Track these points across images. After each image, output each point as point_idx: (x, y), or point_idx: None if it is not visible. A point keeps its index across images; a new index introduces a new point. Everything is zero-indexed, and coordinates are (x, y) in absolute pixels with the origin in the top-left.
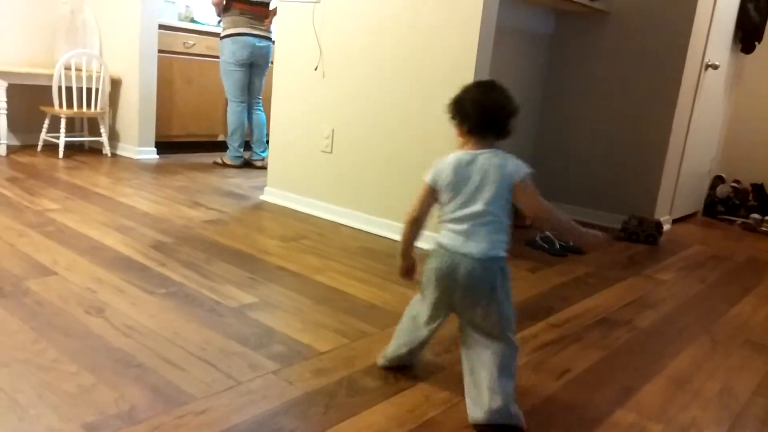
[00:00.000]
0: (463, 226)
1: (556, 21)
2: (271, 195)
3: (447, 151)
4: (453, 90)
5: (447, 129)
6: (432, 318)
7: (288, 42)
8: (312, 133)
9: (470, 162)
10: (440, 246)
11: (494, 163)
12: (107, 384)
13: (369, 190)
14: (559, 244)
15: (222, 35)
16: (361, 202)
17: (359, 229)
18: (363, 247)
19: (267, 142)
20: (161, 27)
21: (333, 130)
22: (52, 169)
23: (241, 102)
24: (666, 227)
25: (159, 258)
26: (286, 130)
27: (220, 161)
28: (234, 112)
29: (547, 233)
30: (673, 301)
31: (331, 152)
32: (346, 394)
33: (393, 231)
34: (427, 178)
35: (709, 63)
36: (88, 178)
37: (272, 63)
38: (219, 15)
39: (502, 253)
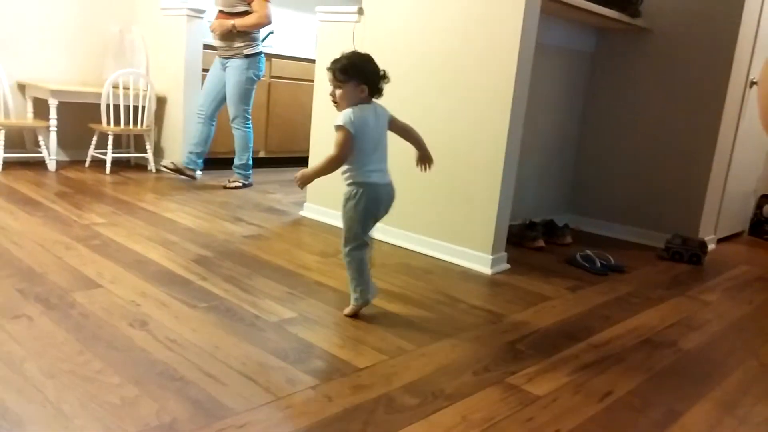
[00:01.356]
0: (381, 166)
1: (598, 39)
2: (311, 211)
3: (489, 166)
4: (493, 106)
5: (488, 145)
6: (368, 230)
7: (328, 59)
8: None
9: (374, 115)
10: (370, 183)
11: (380, 112)
12: (150, 396)
13: (408, 206)
14: (600, 263)
15: (254, 52)
16: (400, 218)
17: (397, 246)
18: (401, 264)
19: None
20: (206, 47)
21: None
22: (99, 185)
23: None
24: (711, 247)
25: (201, 272)
26: (326, 146)
27: (231, 185)
28: (250, 130)
29: (588, 251)
30: (719, 323)
31: None
32: (385, 412)
33: (432, 248)
34: (350, 128)
35: (755, 80)
36: (134, 194)
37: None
38: (254, 31)
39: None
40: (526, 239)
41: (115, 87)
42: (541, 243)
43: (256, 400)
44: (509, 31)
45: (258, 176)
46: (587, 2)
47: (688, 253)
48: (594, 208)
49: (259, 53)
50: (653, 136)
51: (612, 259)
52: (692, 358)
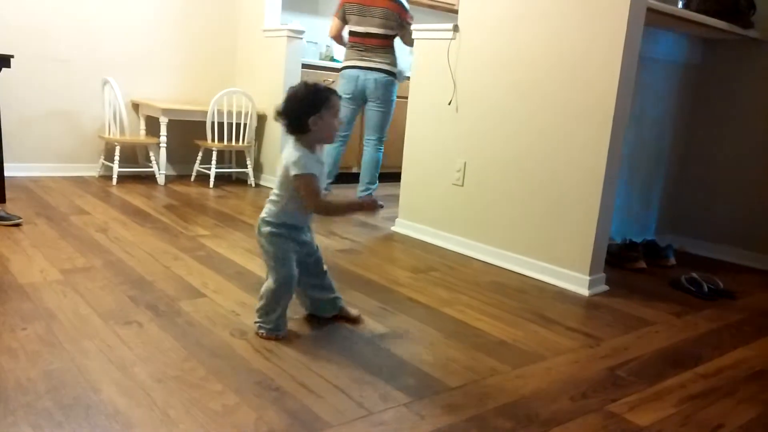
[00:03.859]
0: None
1: (705, 50)
2: (402, 226)
3: (588, 184)
4: (593, 122)
5: (586, 162)
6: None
7: (422, 77)
8: (444, 167)
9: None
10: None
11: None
12: (249, 405)
13: (500, 223)
14: (708, 287)
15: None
16: (492, 235)
17: (490, 263)
18: (493, 282)
19: (371, 182)
20: (304, 66)
21: (465, 164)
22: (204, 198)
23: (339, 137)
24: None
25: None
26: (418, 163)
27: None
28: (328, 147)
29: (694, 275)
30: None
31: (462, 185)
32: None
33: (526, 267)
34: (312, 172)
35: None
36: (235, 207)
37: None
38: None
39: (269, 218)
40: (626, 260)
41: (219, 106)
42: (642, 264)
43: (350, 414)
44: (612, 45)
45: (351, 191)
46: (695, 13)
47: None
48: (699, 228)
49: (340, 69)
50: (764, 153)
51: (721, 284)
52: None
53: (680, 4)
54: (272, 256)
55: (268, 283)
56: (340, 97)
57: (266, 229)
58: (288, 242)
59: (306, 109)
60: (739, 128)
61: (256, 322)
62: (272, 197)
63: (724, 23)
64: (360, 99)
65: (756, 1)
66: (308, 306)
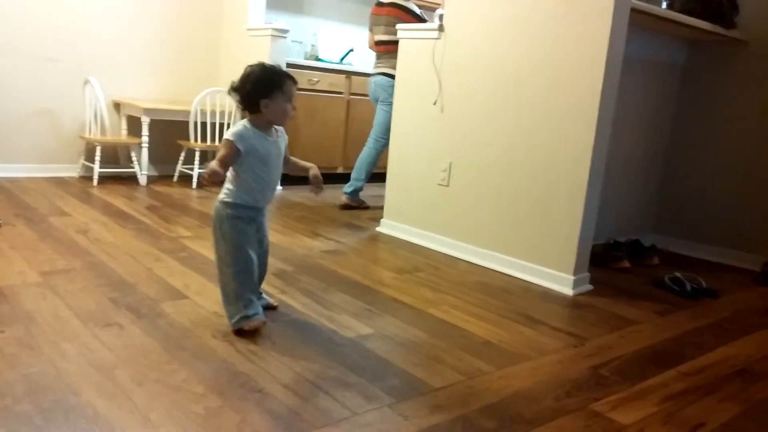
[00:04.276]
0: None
1: (689, 51)
2: (388, 227)
3: (572, 184)
4: (578, 122)
5: (571, 162)
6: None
7: (407, 77)
8: (429, 167)
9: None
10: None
11: None
12: (231, 407)
13: (486, 224)
14: (691, 286)
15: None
16: (477, 236)
17: (475, 264)
18: (479, 282)
19: (358, 178)
20: (289, 65)
21: (450, 164)
22: (186, 199)
23: (372, 139)
24: None
25: (281, 286)
26: (403, 163)
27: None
28: (364, 149)
29: (677, 274)
30: None
31: (448, 186)
32: None
33: (510, 266)
34: (234, 141)
35: None
36: None
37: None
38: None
39: (227, 199)
40: (610, 260)
41: (202, 105)
42: (626, 264)
43: (335, 415)
44: (596, 46)
45: (336, 191)
46: (678, 14)
47: None
48: (683, 227)
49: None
50: (747, 153)
51: (703, 283)
52: None
53: (664, 5)
54: (230, 242)
55: (226, 274)
56: (296, 82)
57: (227, 212)
58: (248, 226)
59: (259, 90)
60: (722, 128)
61: (229, 318)
62: (228, 175)
63: (708, 24)
64: (377, 103)
65: (739, 2)
66: None
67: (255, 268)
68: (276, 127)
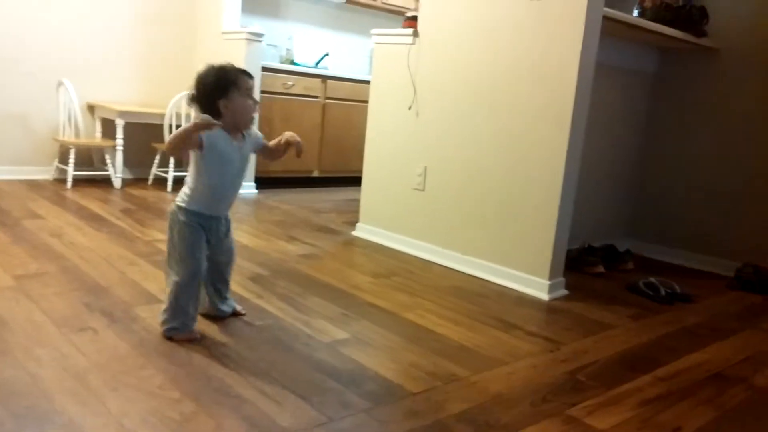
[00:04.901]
0: None
1: (660, 58)
2: (363, 231)
3: (546, 189)
4: (551, 127)
5: (545, 167)
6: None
7: (382, 82)
8: (404, 171)
9: None
10: None
11: None
12: (207, 413)
13: (461, 228)
14: (665, 291)
15: None
16: (452, 240)
17: (450, 268)
18: (454, 286)
19: None
20: (264, 69)
21: (425, 168)
22: (161, 202)
23: None
24: None
25: (257, 290)
26: (378, 167)
27: None
28: None
29: (651, 279)
30: None
31: (423, 190)
32: None
33: (486, 271)
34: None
35: None
36: None
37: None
38: None
39: (181, 203)
40: (585, 264)
41: (177, 108)
42: (601, 269)
43: (310, 421)
44: (569, 53)
45: (312, 195)
46: (649, 22)
47: (760, 283)
48: (657, 233)
49: None
50: (720, 158)
51: (677, 288)
52: (766, 395)
53: (635, 13)
54: (179, 251)
55: (170, 280)
56: (251, 77)
57: (179, 218)
58: (199, 233)
59: (214, 92)
60: (694, 134)
61: (161, 323)
62: (188, 178)
63: (679, 32)
64: None
65: (709, 10)
66: (207, 304)
67: (199, 281)
68: (244, 132)
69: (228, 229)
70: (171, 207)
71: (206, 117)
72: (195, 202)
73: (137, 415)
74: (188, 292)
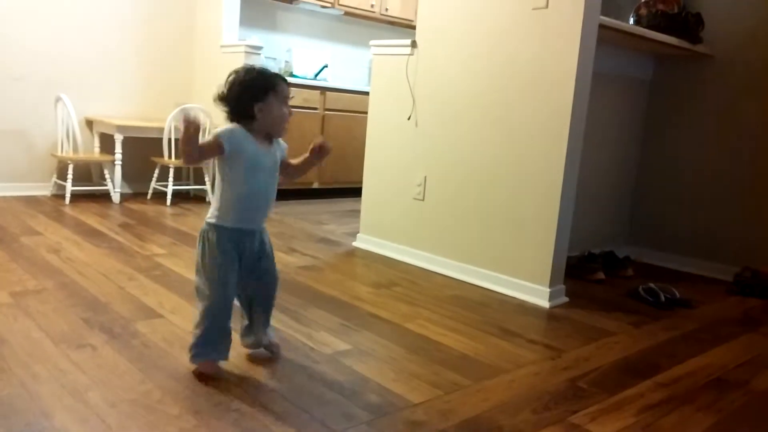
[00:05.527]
0: None
1: (656, 65)
2: (364, 241)
3: (546, 197)
4: (550, 136)
5: (544, 175)
6: None
7: (381, 92)
8: (404, 181)
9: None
10: None
11: None
12: (207, 428)
13: (461, 237)
14: (665, 297)
15: None
16: (453, 249)
17: (451, 277)
18: (455, 296)
19: None
20: None
21: (425, 178)
22: (161, 216)
23: None
24: None
25: None
26: (378, 178)
27: None
28: None
29: (651, 285)
30: None
31: (423, 200)
32: None
33: (487, 280)
34: (221, 136)
35: None
36: (193, 225)
37: None
38: None
39: (210, 218)
40: (585, 271)
41: (177, 122)
42: (601, 275)
43: None
44: (566, 61)
45: (312, 207)
46: (645, 29)
47: (759, 287)
48: (656, 239)
49: None
50: (717, 164)
51: (677, 293)
52: (766, 400)
53: (631, 21)
54: (209, 273)
55: (198, 303)
56: (288, 84)
57: (209, 236)
58: (231, 254)
59: (251, 93)
60: (691, 140)
61: (189, 349)
62: (216, 190)
63: (674, 39)
64: None
65: (704, 17)
66: (243, 334)
67: (230, 306)
68: (273, 138)
69: (264, 246)
70: (202, 228)
71: (240, 132)
72: (225, 216)
73: (137, 430)
74: (217, 319)
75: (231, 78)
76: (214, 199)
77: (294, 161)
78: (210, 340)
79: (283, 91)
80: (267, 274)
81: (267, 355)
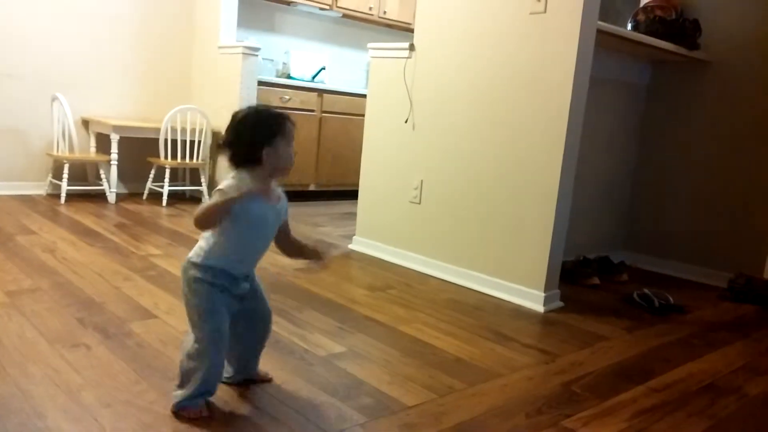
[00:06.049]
0: None
1: (653, 71)
2: (360, 244)
3: (542, 201)
4: (546, 141)
5: (540, 180)
6: None
7: (379, 96)
8: (401, 185)
9: None
10: None
11: None
12: (201, 429)
13: (457, 241)
14: (659, 302)
15: None
16: (449, 253)
17: (447, 281)
18: (450, 299)
19: None
20: (260, 83)
21: (422, 182)
22: (156, 217)
23: None
24: None
25: None
26: (375, 181)
27: None
28: None
29: (645, 290)
30: None
31: (419, 203)
32: None
33: (482, 284)
34: (227, 191)
35: None
36: (189, 226)
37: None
38: None
39: (194, 259)
40: (580, 276)
41: (173, 123)
42: (596, 280)
43: None
44: (563, 66)
45: (308, 209)
46: (643, 35)
47: (752, 294)
48: (651, 244)
49: None
50: (713, 170)
51: (671, 299)
52: (759, 406)
53: (629, 27)
54: (195, 311)
55: (185, 343)
56: (293, 123)
57: (191, 273)
58: (216, 293)
59: (259, 137)
60: (687, 146)
61: (174, 396)
62: (204, 233)
63: (672, 45)
64: None
65: (701, 23)
66: (235, 370)
67: (224, 341)
68: (274, 186)
69: (255, 286)
70: (182, 263)
71: (248, 185)
72: (211, 257)
73: (131, 431)
74: (208, 358)
75: (237, 121)
76: (202, 239)
77: (293, 235)
78: (201, 393)
79: (290, 132)
80: (261, 313)
81: (262, 355)
